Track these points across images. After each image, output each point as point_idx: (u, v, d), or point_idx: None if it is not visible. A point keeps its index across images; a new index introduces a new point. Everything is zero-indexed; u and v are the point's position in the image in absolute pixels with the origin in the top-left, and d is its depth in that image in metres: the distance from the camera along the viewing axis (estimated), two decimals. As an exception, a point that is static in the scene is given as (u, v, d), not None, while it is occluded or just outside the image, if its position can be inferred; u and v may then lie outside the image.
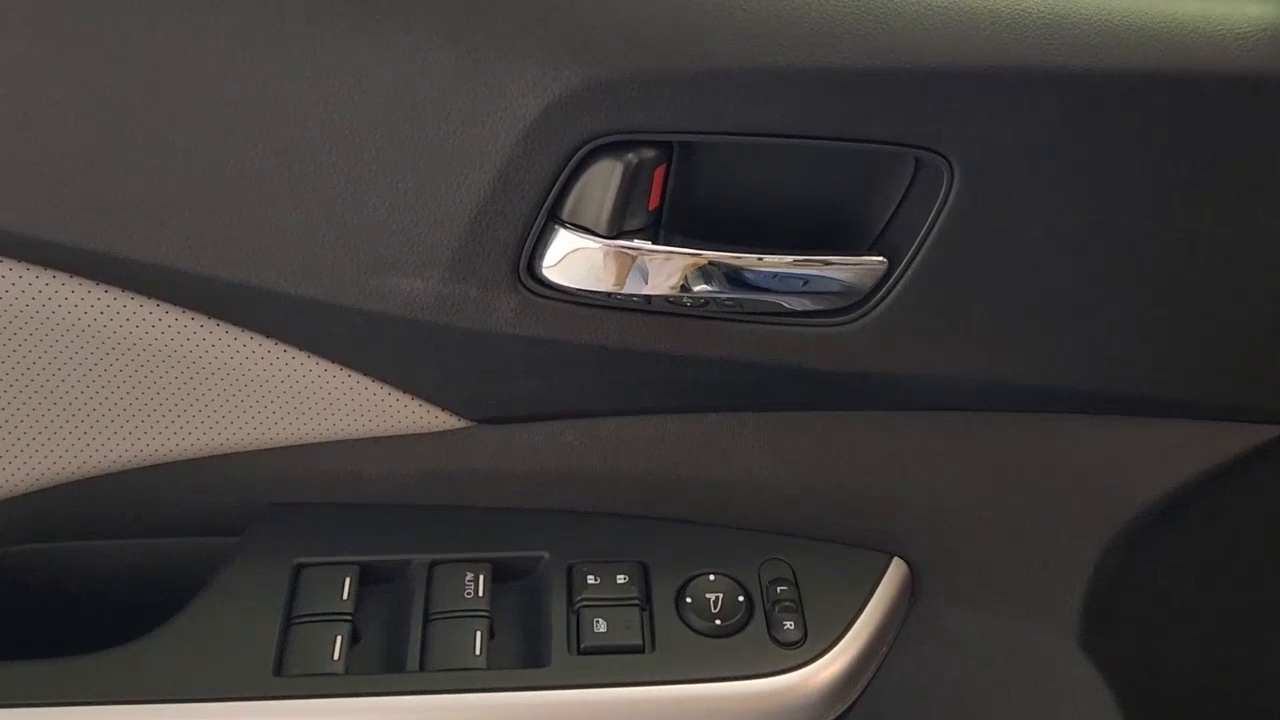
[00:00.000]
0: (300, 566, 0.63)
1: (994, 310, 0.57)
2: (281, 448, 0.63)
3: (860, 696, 0.63)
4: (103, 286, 0.56)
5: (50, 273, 0.56)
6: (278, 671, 0.58)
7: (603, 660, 0.60)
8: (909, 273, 0.56)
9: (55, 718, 0.56)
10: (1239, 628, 0.71)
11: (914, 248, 0.55)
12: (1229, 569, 0.69)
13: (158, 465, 0.63)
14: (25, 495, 0.63)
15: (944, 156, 0.52)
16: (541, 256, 0.55)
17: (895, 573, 0.65)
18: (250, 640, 0.60)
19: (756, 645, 0.61)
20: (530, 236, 0.54)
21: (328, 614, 0.61)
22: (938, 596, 0.67)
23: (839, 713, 0.62)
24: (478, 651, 0.60)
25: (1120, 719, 0.67)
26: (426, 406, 0.61)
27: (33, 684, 0.57)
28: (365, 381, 0.60)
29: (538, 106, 0.50)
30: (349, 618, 0.61)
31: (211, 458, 0.64)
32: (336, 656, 0.59)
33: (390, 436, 0.63)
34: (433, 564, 0.64)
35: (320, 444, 0.63)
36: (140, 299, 0.57)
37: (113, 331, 0.58)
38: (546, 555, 0.64)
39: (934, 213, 0.54)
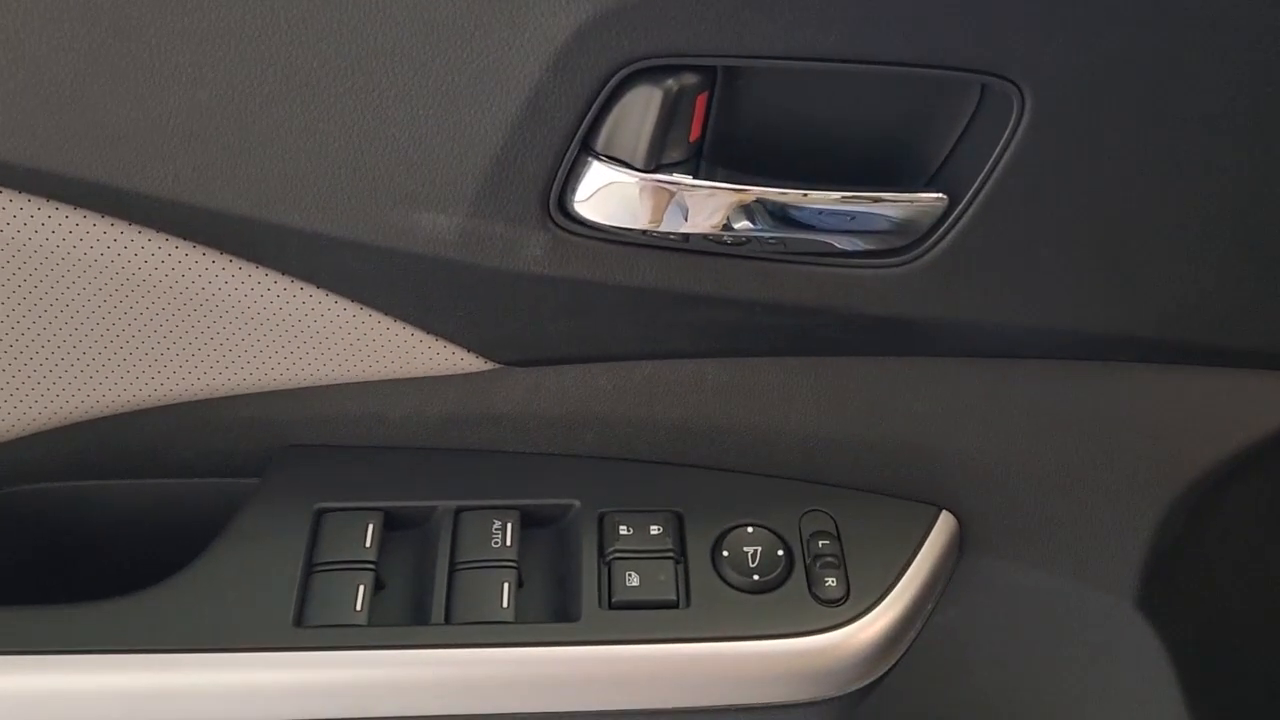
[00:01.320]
0: (322, 512, 0.61)
1: (1062, 252, 0.53)
2: (300, 389, 0.61)
3: (904, 655, 0.60)
4: (109, 219, 0.53)
5: (53, 204, 0.52)
6: (298, 621, 0.56)
7: (635, 615, 0.57)
8: (970, 211, 0.51)
9: (67, 666, 0.55)
10: None
11: (977, 184, 0.51)
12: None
13: (173, 405, 0.61)
14: (37, 434, 0.61)
15: (1014, 83, 0.48)
16: (573, 191, 0.51)
17: (943, 526, 0.61)
18: (269, 588, 0.58)
19: (796, 602, 0.58)
20: (561, 169, 0.50)
21: (350, 562, 0.59)
22: (987, 551, 0.64)
23: (881, 673, 0.59)
24: (505, 604, 0.57)
25: (1175, 682, 0.64)
26: (451, 348, 0.58)
27: (45, 631, 0.55)
28: (387, 321, 0.57)
29: (569, 28, 0.46)
30: (372, 566, 0.58)
31: (228, 398, 0.61)
32: (359, 606, 0.57)
33: (414, 378, 0.60)
34: (459, 510, 0.61)
35: (340, 385, 0.61)
36: (149, 233, 0.54)
37: (120, 267, 0.55)
38: (577, 503, 0.61)
39: (1000, 145, 0.49)
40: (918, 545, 0.60)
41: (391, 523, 0.61)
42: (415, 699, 0.56)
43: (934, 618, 0.62)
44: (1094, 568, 0.63)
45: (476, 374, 0.60)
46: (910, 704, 0.68)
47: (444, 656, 0.56)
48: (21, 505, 0.64)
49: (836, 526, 0.61)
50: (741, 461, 0.63)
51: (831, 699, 0.58)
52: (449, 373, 0.60)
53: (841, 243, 0.54)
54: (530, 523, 0.61)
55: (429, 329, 0.58)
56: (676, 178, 0.51)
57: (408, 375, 0.60)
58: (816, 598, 0.58)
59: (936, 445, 0.62)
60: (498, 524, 0.60)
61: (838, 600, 0.58)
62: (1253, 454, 0.59)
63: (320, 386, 0.61)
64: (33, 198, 0.52)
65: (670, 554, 0.59)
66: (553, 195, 0.51)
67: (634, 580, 0.58)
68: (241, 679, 0.55)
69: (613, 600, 0.58)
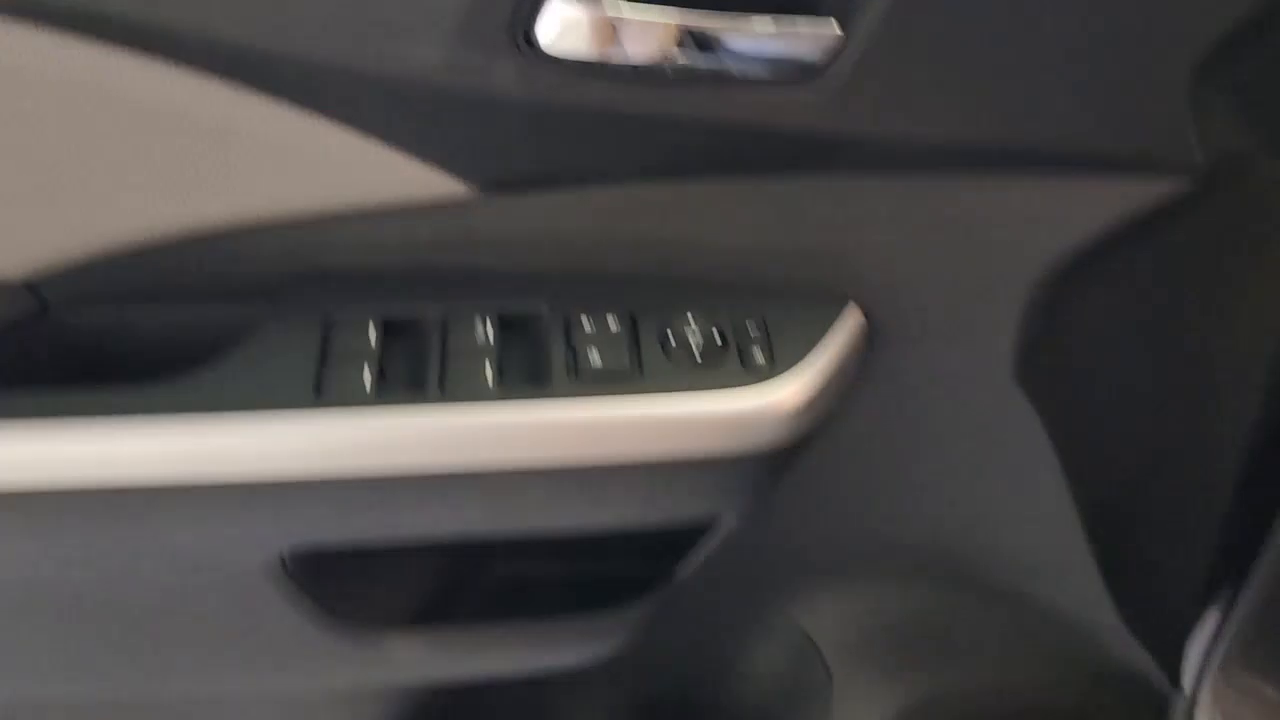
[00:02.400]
0: (330, 321, 0.72)
1: (944, 70, 0.65)
2: (303, 218, 0.71)
3: (826, 425, 0.73)
4: (123, 50, 0.62)
5: (54, 32, 0.61)
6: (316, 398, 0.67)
7: (598, 384, 0.69)
8: (862, 33, 0.64)
9: (98, 432, 0.64)
10: (1155, 374, 0.80)
11: (866, 8, 0.63)
12: (1147, 316, 0.78)
13: (186, 236, 0.70)
14: (61, 265, 0.70)
15: None
16: (538, 22, 0.63)
17: (851, 315, 0.74)
18: (288, 378, 0.68)
19: (730, 370, 0.70)
20: (525, 4, 0.62)
21: (357, 354, 0.70)
22: (891, 341, 0.76)
23: (804, 429, 0.71)
24: (490, 383, 0.69)
25: (1050, 447, 0.77)
26: (439, 173, 0.70)
27: (77, 403, 0.65)
28: (380, 148, 0.68)
29: None
30: (376, 359, 0.70)
31: (238, 229, 0.71)
32: (368, 389, 0.68)
33: (407, 207, 0.71)
34: (447, 316, 0.72)
35: (340, 215, 0.71)
36: (159, 62, 0.62)
37: (121, 95, 0.63)
38: (546, 308, 0.73)
39: None
40: (830, 327, 0.73)
41: (391, 329, 0.72)
42: (417, 454, 0.68)
43: (851, 399, 0.75)
44: (977, 349, 0.76)
45: (461, 202, 0.71)
46: (825, 484, 0.81)
47: (440, 410, 0.67)
48: (52, 334, 0.74)
49: (764, 317, 0.73)
50: (685, 271, 0.75)
51: (760, 454, 0.71)
52: (438, 198, 0.71)
53: (756, 68, 0.66)
54: (507, 326, 0.73)
55: (420, 155, 0.69)
56: (623, 10, 0.63)
57: (401, 200, 0.71)
58: (746, 367, 0.70)
59: (845, 251, 0.74)
60: (480, 324, 0.72)
61: (764, 367, 0.70)
62: (1097, 246, 0.72)
63: (322, 215, 0.71)
64: (52, 31, 0.61)
65: (626, 340, 0.71)
66: (521, 26, 0.63)
67: (596, 358, 0.70)
68: (267, 440, 0.66)
69: (579, 373, 0.69)
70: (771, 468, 0.74)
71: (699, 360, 0.71)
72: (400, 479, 0.69)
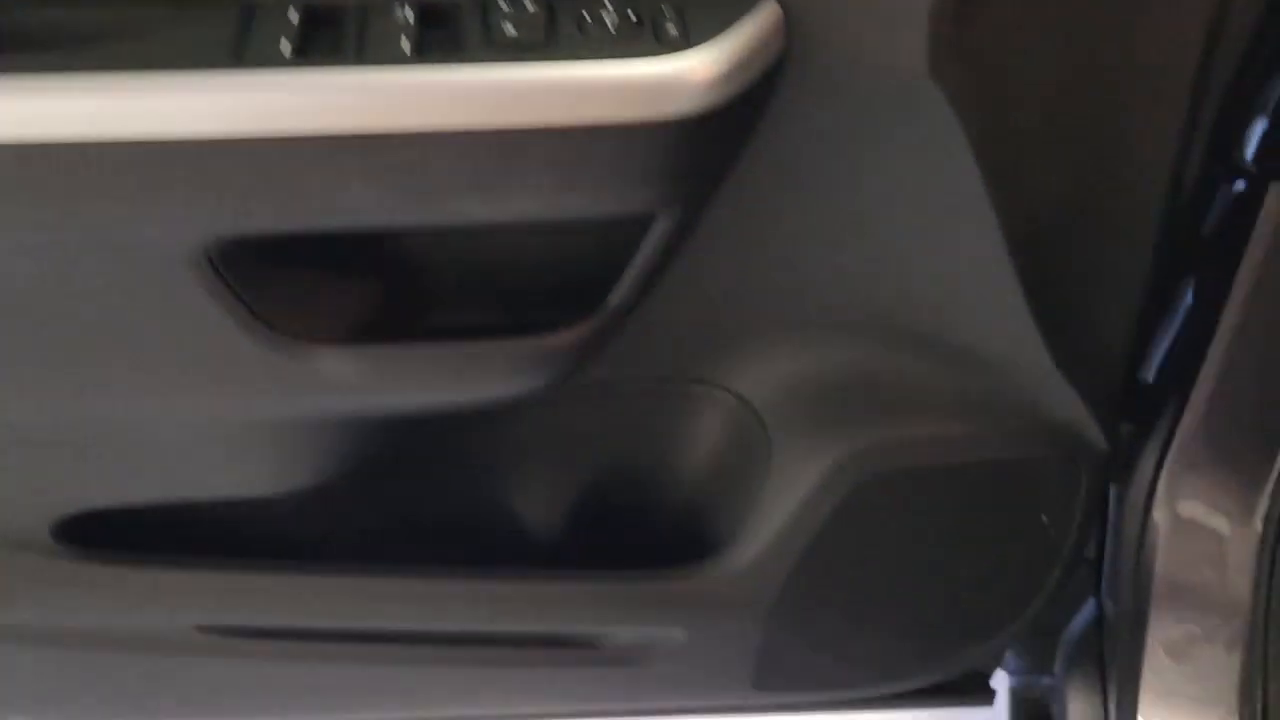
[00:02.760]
0: (249, 7, 0.72)
1: None
2: None
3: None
4: None
5: None
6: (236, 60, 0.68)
7: (513, 50, 0.70)
8: None
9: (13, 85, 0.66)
10: (1069, 82, 0.81)
11: None
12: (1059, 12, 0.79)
13: None
14: None
15: None
16: None
17: (767, 5, 0.74)
18: (207, 48, 0.69)
19: (646, 44, 0.71)
20: None
21: (276, 30, 0.70)
22: (809, 40, 0.76)
23: (718, 102, 0.72)
24: (406, 53, 0.70)
25: (967, 146, 0.78)
26: None
27: None
28: None
29: None
30: (295, 34, 0.70)
31: None
32: (287, 57, 0.69)
33: None
34: (368, 3, 0.73)
35: None
36: None
37: None
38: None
39: None
40: (746, 12, 0.73)
41: (309, 16, 0.73)
42: (334, 115, 0.69)
43: (769, 136, 0.76)
44: (887, 44, 0.76)
45: None
46: (749, 236, 0.83)
47: (357, 75, 0.68)
48: None
49: (680, 4, 0.74)
50: None
51: (676, 122, 0.71)
52: None
53: None
54: (426, 20, 0.74)
55: None
56: None
57: None
58: (660, 41, 0.71)
59: None
60: (399, 8, 0.73)
61: (678, 39, 0.71)
62: None
63: None
64: None
65: (543, 18, 0.72)
66: None
67: (510, 29, 0.71)
68: (185, 97, 0.67)
69: (493, 43, 0.70)
70: (692, 155, 0.75)
71: (614, 34, 0.72)
72: (318, 144, 0.69)
